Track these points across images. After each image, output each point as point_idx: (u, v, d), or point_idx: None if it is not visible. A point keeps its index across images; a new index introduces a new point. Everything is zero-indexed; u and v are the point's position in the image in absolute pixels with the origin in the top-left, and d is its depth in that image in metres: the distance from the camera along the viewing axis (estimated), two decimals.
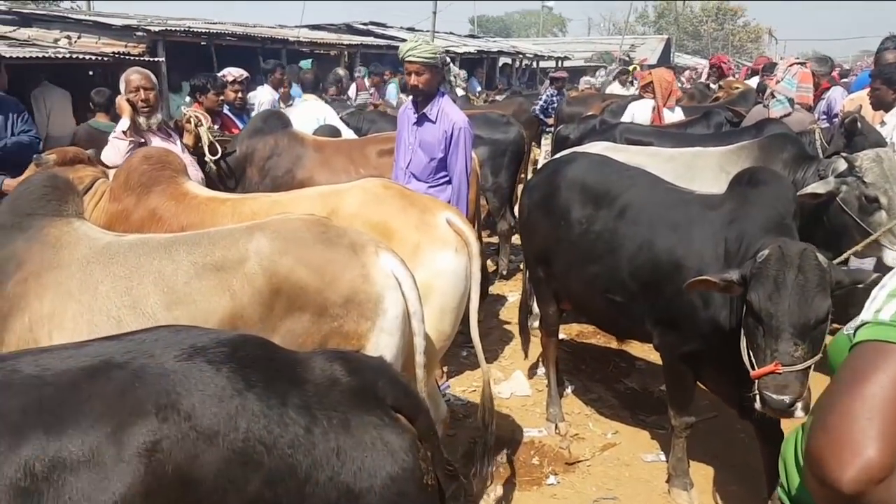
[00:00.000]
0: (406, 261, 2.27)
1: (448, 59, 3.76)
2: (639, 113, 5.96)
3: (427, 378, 2.39)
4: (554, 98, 9.59)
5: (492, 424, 2.80)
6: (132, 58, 8.96)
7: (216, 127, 5.01)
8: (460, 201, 3.68)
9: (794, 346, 2.15)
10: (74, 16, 11.41)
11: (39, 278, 2.13)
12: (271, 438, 1.20)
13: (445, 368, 4.17)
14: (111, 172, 3.15)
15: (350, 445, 1.25)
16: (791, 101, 5.07)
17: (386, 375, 1.40)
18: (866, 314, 1.03)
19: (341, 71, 9.49)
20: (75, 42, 9.32)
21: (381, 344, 2.11)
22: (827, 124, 5.80)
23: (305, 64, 7.88)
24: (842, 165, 3.43)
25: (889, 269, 3.76)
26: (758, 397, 2.23)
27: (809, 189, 3.43)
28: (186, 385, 1.21)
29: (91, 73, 9.41)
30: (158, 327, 1.42)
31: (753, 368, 2.27)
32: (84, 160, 3.16)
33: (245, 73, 5.87)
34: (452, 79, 11.17)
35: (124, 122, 3.68)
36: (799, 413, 2.19)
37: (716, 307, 2.64)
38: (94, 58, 8.50)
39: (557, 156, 4.02)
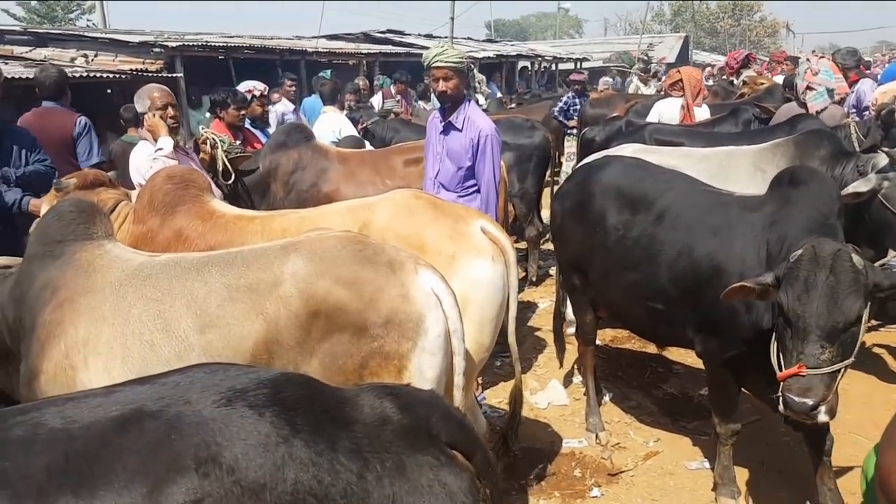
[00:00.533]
0: (443, 273, 2.22)
1: (472, 65, 3.74)
2: (666, 112, 5.85)
3: (466, 394, 2.34)
4: (575, 100, 9.50)
5: (517, 427, 2.84)
6: (150, 74, 9.06)
7: (238, 142, 5.03)
8: (489, 210, 3.63)
9: (820, 348, 2.11)
10: (91, 34, 11.54)
11: (74, 304, 2.10)
12: (322, 488, 1.10)
13: (480, 380, 4.12)
14: (133, 194, 3.12)
15: (406, 490, 1.16)
16: (831, 91, 4.94)
17: (439, 410, 1.31)
18: None
19: (360, 81, 9.50)
20: (92, 60, 9.43)
21: (424, 364, 2.06)
22: (857, 117, 5.68)
23: (326, 74, 7.89)
24: (882, 161, 3.34)
25: None
26: (781, 399, 2.18)
27: (851, 188, 3.35)
28: (227, 434, 1.11)
29: (109, 90, 9.52)
30: (192, 367, 1.31)
31: (780, 370, 2.22)
32: (105, 183, 3.11)
33: (264, 87, 5.89)
34: (477, 84, 11.11)
35: (167, 142, 3.52)
36: (822, 417, 2.14)
37: (758, 311, 2.57)
38: (111, 75, 8.59)
39: (589, 160, 3.95)
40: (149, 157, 3.51)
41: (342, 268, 2.07)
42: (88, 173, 3.18)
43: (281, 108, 7.25)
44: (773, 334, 2.34)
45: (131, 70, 8.95)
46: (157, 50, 9.69)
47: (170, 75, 9.23)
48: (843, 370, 2.16)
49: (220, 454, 1.08)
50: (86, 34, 11.36)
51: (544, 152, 6.15)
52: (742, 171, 4.02)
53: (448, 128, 3.66)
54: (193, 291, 2.09)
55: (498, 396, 4.05)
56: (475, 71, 12.50)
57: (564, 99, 9.69)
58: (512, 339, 2.77)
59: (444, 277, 2.16)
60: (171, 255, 2.36)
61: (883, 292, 2.16)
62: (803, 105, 5.15)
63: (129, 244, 2.73)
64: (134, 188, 3.44)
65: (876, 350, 4.45)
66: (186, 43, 10.20)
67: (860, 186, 3.28)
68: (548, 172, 6.33)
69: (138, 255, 2.33)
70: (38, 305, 2.11)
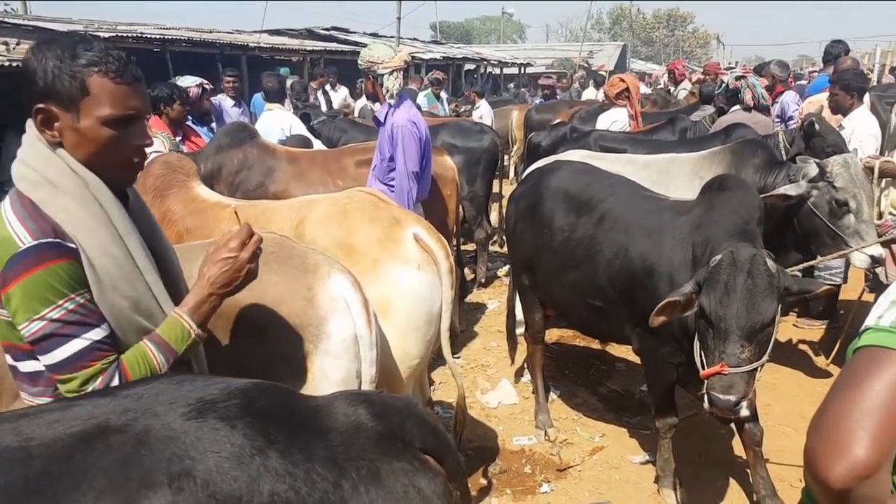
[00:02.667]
0: (364, 277, 2.23)
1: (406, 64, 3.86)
2: (621, 120, 6.02)
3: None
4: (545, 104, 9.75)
5: (462, 436, 2.90)
6: None
7: (177, 139, 4.91)
8: (401, 199, 3.70)
9: (740, 347, 2.23)
10: (12, 20, 10.85)
11: None
12: (299, 499, 1.07)
13: (438, 382, 4.17)
14: None
15: (382, 497, 1.15)
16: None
17: (413, 416, 1.31)
18: (869, 320, 1.07)
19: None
20: (14, 49, 8.90)
21: (327, 367, 2.07)
22: (780, 126, 6.01)
23: (285, 71, 7.73)
24: (812, 170, 3.52)
25: (857, 269, 3.89)
26: (706, 397, 2.30)
27: (781, 189, 3.51)
28: (200, 447, 1.06)
29: None
30: (157, 377, 1.25)
31: (703, 369, 2.34)
32: None
33: (208, 83, 5.76)
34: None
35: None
36: (744, 412, 2.27)
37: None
38: None
39: (540, 164, 4.06)
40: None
41: None
42: None
43: (223, 104, 7.08)
44: (696, 335, 2.45)
45: None
46: None
47: None
48: (760, 367, 2.29)
49: (193, 468, 1.04)
50: (6, 20, 10.67)
51: (493, 156, 6.24)
52: (682, 177, 4.19)
53: (377, 122, 3.94)
54: None
55: (451, 397, 4.10)
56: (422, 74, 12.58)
57: (535, 103, 9.91)
58: (446, 350, 2.75)
59: (358, 283, 2.17)
60: None
61: (792, 296, 2.31)
62: (748, 110, 5.41)
63: None
64: None
65: (802, 347, 4.72)
66: (120, 34, 9.73)
67: (790, 190, 3.45)
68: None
69: None
70: None
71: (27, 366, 1.40)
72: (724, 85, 5.66)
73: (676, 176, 4.20)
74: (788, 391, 4.04)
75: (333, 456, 1.15)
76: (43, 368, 1.37)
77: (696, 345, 2.44)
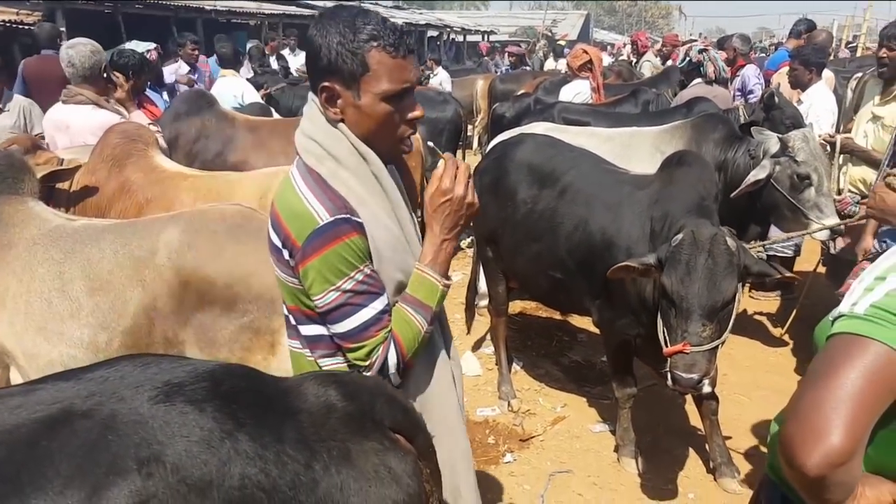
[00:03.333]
0: None
1: None
2: (583, 92, 6.01)
3: None
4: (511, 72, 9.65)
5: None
6: (26, 27, 8.24)
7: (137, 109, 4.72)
8: None
9: (702, 326, 2.27)
10: None
11: None
12: (270, 481, 1.07)
13: None
14: (66, 156, 3.14)
15: (353, 477, 1.15)
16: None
17: (383, 395, 1.30)
18: (843, 306, 1.08)
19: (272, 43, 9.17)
20: None
21: None
22: (741, 99, 6.10)
23: (241, 36, 7.48)
24: (773, 146, 3.55)
25: (813, 241, 3.99)
26: (669, 375, 2.34)
27: (751, 178, 3.50)
28: (168, 432, 1.04)
29: None
30: (119, 359, 1.21)
31: (666, 346, 2.38)
32: (41, 147, 3.17)
33: (157, 46, 5.53)
34: None
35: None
36: (706, 388, 2.33)
37: (644, 285, 2.70)
38: None
39: (505, 137, 4.04)
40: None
41: (215, 241, 2.16)
42: (21, 138, 3.20)
43: (177, 70, 6.83)
44: (658, 313, 2.48)
45: (4, 21, 8.09)
46: (34, 0, 8.83)
47: None
48: (721, 345, 2.33)
49: (162, 453, 1.02)
50: None
51: (456, 126, 6.23)
52: (643, 151, 4.22)
53: None
54: (90, 256, 2.22)
55: None
56: None
57: (502, 72, 9.81)
58: None
59: None
60: (86, 220, 2.46)
61: (751, 275, 2.35)
62: (709, 84, 5.45)
63: (79, 193, 2.99)
64: None
65: (757, 318, 4.86)
66: None
67: (758, 174, 3.44)
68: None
69: (57, 217, 2.44)
70: None
71: (309, 329, 1.48)
72: (687, 59, 5.68)
73: (637, 149, 4.22)
74: (744, 361, 4.16)
75: (304, 437, 1.15)
76: (324, 333, 1.45)
77: (659, 322, 2.47)
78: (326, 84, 1.38)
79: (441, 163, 1.47)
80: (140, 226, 2.32)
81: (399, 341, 1.42)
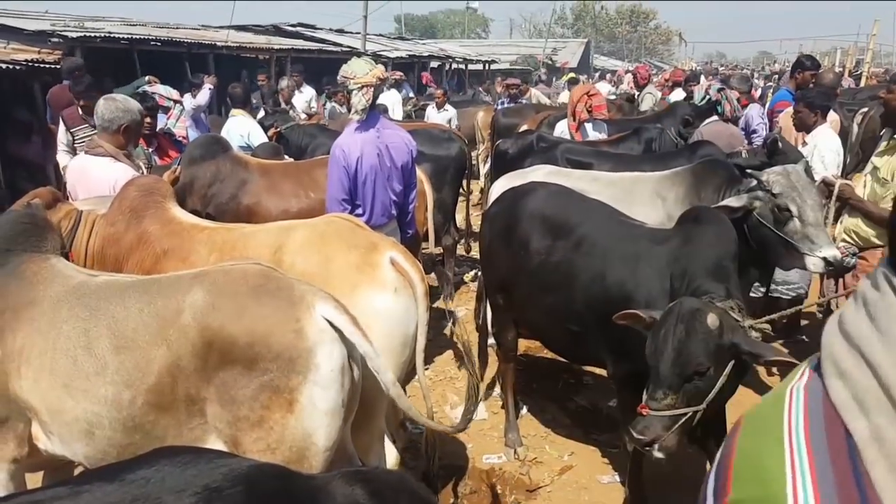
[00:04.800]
0: (342, 301, 2.29)
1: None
2: (565, 132, 6.18)
3: (377, 420, 2.43)
4: (508, 106, 9.76)
5: (435, 458, 2.99)
6: (47, 65, 8.42)
7: (150, 150, 4.83)
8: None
9: (662, 394, 2.33)
10: None
11: (15, 313, 2.26)
12: None
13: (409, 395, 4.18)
14: (85, 208, 3.24)
15: None
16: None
17: (406, 491, 1.35)
18: None
19: (285, 81, 9.33)
20: None
21: (316, 397, 2.14)
22: (744, 140, 6.19)
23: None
24: (751, 182, 3.55)
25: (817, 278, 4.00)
26: (628, 429, 2.42)
27: (723, 203, 3.49)
28: None
29: None
30: (157, 455, 1.25)
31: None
32: (59, 199, 3.24)
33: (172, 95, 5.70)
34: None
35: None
36: (656, 454, 2.37)
37: None
38: (3, 66, 7.91)
39: (511, 180, 4.12)
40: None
41: (238, 301, 2.19)
42: (42, 192, 3.22)
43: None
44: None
45: (26, 61, 8.24)
46: (55, 40, 8.96)
47: None
48: (687, 416, 2.34)
49: None
50: None
51: (460, 164, 6.29)
52: (645, 196, 4.30)
53: None
54: (115, 314, 2.25)
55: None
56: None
57: (498, 106, 9.92)
58: (420, 370, 2.80)
59: (341, 304, 2.23)
60: (109, 276, 2.49)
61: (744, 355, 2.36)
62: (726, 121, 5.55)
63: (98, 245, 3.06)
64: None
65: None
66: (88, 34, 9.50)
67: (732, 202, 3.43)
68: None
69: (80, 273, 2.47)
70: None
71: None
72: (707, 97, 5.76)
73: (640, 195, 4.30)
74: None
75: None
76: None
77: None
78: None
79: None
80: (164, 284, 2.34)
81: None
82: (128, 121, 3.60)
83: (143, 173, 3.76)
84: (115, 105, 3.57)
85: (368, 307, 2.59)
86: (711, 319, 2.31)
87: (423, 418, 2.64)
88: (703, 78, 7.01)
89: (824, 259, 3.27)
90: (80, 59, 8.13)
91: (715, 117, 5.68)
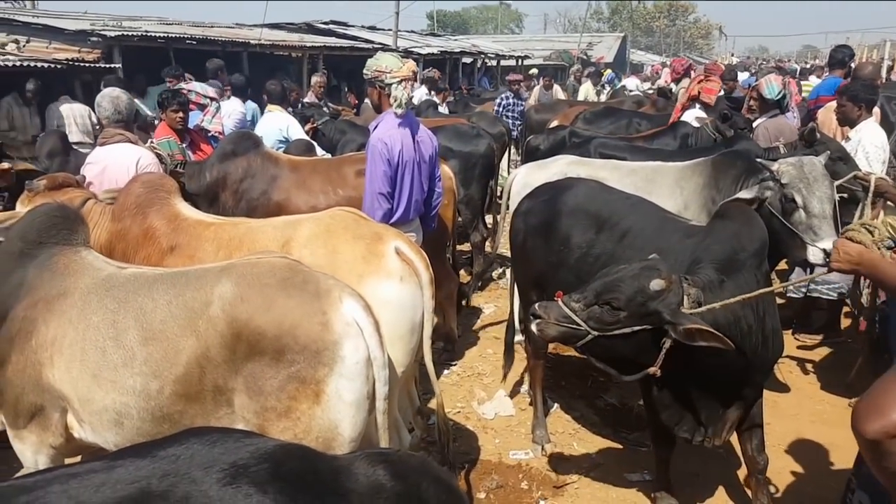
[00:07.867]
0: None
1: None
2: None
3: (389, 409, 2.45)
4: (511, 101, 9.55)
5: (450, 446, 3.02)
6: (87, 64, 8.66)
7: (184, 145, 4.92)
8: (364, 211, 3.60)
9: (578, 297, 2.51)
10: (21, 18, 10.91)
11: (48, 304, 2.33)
12: None
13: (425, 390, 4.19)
14: (99, 194, 3.34)
15: None
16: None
17: (429, 476, 1.38)
18: None
19: (317, 77, 9.45)
20: (24, 47, 8.94)
21: (342, 388, 2.19)
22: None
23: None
24: (765, 173, 3.50)
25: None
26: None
27: (738, 195, 3.39)
28: None
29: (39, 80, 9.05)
30: (187, 434, 1.32)
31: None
32: (72, 184, 3.33)
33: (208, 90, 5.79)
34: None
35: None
36: (533, 327, 2.52)
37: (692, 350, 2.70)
38: (45, 65, 8.16)
39: (536, 175, 4.09)
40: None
41: (266, 294, 2.23)
42: (58, 176, 3.38)
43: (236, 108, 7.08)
44: None
45: (67, 60, 8.50)
46: (94, 39, 9.22)
47: (107, 65, 8.85)
48: (579, 332, 2.45)
49: None
50: (16, 18, 10.64)
51: (489, 160, 6.27)
52: (665, 186, 4.24)
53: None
54: (143, 305, 2.31)
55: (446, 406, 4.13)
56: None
57: (499, 100, 9.75)
58: (427, 357, 2.85)
59: (368, 306, 2.28)
60: (135, 269, 2.54)
61: (664, 324, 2.41)
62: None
63: (104, 240, 3.11)
64: None
65: (802, 365, 4.74)
66: (126, 33, 9.76)
67: (744, 194, 3.36)
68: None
69: (109, 265, 2.54)
70: (12, 301, 2.35)
71: None
72: (782, 91, 5.60)
73: (660, 185, 4.26)
74: (789, 410, 4.08)
75: None
76: None
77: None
78: None
79: None
80: (192, 277, 2.38)
81: None
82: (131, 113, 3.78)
83: (163, 161, 3.93)
84: (122, 100, 3.70)
85: (375, 296, 2.62)
86: (656, 283, 2.40)
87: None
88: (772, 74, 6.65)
89: (824, 251, 3.20)
90: (115, 61, 8.39)
91: (777, 111, 5.53)
